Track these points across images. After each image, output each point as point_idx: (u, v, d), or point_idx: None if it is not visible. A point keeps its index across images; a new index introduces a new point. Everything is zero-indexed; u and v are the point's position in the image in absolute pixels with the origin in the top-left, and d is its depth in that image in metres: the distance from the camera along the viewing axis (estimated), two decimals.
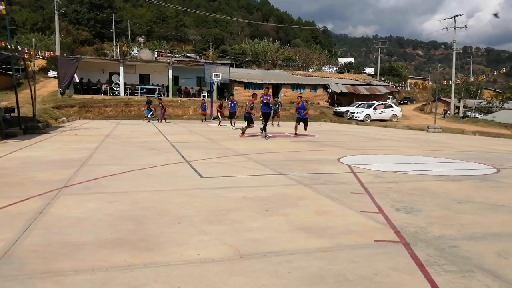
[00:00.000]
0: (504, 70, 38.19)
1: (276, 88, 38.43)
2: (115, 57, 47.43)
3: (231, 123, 20.23)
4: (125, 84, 34.43)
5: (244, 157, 8.88)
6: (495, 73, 41.01)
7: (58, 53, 32.99)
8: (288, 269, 2.83)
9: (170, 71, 35.04)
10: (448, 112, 39.72)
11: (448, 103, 42.18)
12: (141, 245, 3.25)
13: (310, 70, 54.45)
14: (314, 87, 40.64)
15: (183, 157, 8.60)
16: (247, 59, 58.63)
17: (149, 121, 23.84)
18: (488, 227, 3.95)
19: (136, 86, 35.61)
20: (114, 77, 34.93)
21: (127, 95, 33.59)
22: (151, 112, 24.68)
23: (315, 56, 60.97)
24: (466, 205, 4.82)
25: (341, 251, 3.21)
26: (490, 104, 38.80)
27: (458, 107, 41.58)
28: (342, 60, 71.85)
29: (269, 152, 9.89)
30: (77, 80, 34.22)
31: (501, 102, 38.34)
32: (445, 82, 47.53)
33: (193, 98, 35.02)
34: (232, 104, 20.77)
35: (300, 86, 40.01)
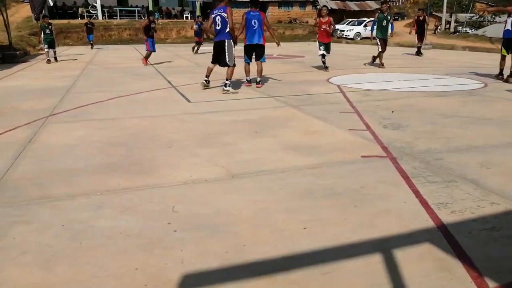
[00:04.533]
0: None
1: (263, 6, 36.65)
2: None
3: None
4: (102, 6, 32.44)
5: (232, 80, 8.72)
6: None
7: None
8: (278, 185, 2.92)
9: None
10: (439, 27, 38.77)
11: (440, 18, 41.00)
12: (134, 169, 3.30)
13: None
14: (302, 4, 38.80)
15: (169, 82, 8.43)
16: None
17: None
18: (473, 139, 4.06)
19: (114, 8, 33.64)
20: None
21: (105, 18, 31.87)
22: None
23: None
24: (452, 120, 4.90)
25: (330, 168, 3.30)
26: (482, 18, 37.79)
27: (449, 22, 40.52)
28: None
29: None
30: (51, 4, 32.11)
31: (493, 16, 37.31)
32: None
33: (175, 20, 33.40)
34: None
35: (288, 4, 38.15)
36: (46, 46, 12.71)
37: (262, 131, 4.47)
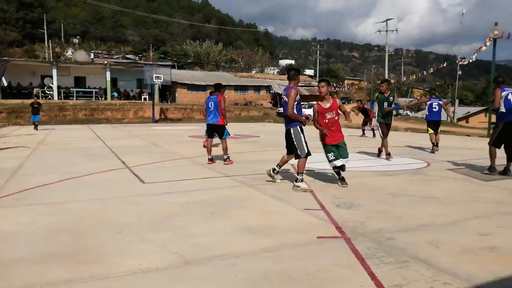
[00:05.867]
0: (432, 70, 41.12)
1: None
2: (47, 59, 44.63)
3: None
4: (59, 87, 32.57)
5: (188, 160, 8.75)
6: (424, 73, 44.04)
7: None
8: (233, 272, 2.82)
9: (108, 73, 33.72)
10: None
11: None
12: (79, 258, 3.08)
13: (253, 72, 54.94)
14: (257, 88, 41.15)
15: (123, 162, 8.28)
16: (189, 61, 57.80)
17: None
18: (421, 218, 4.21)
19: (71, 89, 33.81)
20: (46, 80, 32.94)
21: (61, 99, 31.78)
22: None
23: (257, 58, 61.66)
24: (401, 199, 5.11)
25: (286, 250, 3.25)
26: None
27: None
28: (283, 62, 73.40)
29: (213, 154, 9.81)
30: (5, 84, 31.82)
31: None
32: (379, 82, 50.26)
33: (133, 101, 33.93)
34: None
35: (244, 88, 40.32)
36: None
37: (218, 212, 4.41)
